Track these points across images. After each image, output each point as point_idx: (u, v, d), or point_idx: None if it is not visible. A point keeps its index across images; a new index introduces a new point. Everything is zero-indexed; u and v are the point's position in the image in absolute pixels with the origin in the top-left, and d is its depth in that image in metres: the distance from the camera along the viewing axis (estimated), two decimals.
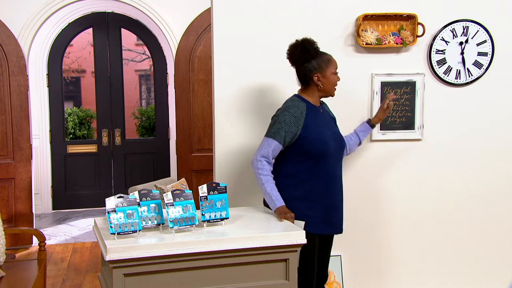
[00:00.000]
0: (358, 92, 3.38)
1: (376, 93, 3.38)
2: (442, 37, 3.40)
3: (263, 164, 2.72)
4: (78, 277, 4.48)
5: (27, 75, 5.25)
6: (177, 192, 2.40)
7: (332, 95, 2.87)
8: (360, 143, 3.13)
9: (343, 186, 2.98)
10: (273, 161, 2.83)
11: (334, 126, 2.92)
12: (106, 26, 6.85)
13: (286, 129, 2.71)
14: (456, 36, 3.42)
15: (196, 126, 5.43)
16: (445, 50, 3.42)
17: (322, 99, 2.92)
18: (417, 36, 3.34)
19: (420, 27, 3.33)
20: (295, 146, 2.75)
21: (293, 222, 2.59)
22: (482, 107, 3.52)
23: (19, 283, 3.21)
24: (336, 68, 2.82)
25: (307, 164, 2.75)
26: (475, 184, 3.56)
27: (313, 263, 2.77)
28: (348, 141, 3.08)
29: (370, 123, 3.13)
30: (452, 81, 3.46)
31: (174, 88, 5.45)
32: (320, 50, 2.79)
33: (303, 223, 2.65)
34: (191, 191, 2.45)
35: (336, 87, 2.85)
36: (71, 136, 7.60)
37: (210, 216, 2.46)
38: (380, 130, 3.42)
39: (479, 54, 3.46)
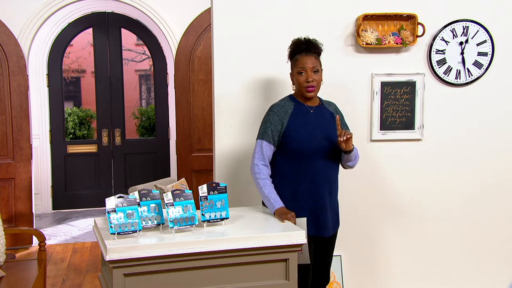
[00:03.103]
0: (358, 92, 3.38)
1: (376, 93, 3.38)
2: (442, 37, 3.40)
3: (260, 168, 2.73)
4: (78, 277, 4.48)
5: (27, 75, 5.25)
6: (177, 192, 2.39)
7: (306, 96, 2.74)
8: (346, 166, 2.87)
9: (343, 186, 2.97)
10: (269, 162, 2.80)
11: (330, 127, 2.79)
12: (106, 26, 6.85)
13: (272, 128, 2.72)
14: (456, 36, 3.42)
15: (196, 126, 5.43)
16: (445, 50, 3.42)
17: (328, 99, 2.91)
18: (417, 36, 3.34)
19: (420, 27, 3.33)
20: (281, 145, 2.75)
21: (294, 222, 2.57)
22: (482, 107, 3.52)
23: (19, 283, 3.21)
24: (302, 67, 2.69)
25: (293, 164, 2.73)
26: (475, 184, 3.56)
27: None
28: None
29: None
30: (452, 81, 3.46)
31: (174, 88, 5.45)
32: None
33: (305, 219, 2.65)
34: (191, 191, 2.44)
35: (306, 87, 2.70)
36: (71, 136, 7.60)
37: (210, 216, 2.46)
38: (380, 130, 3.42)
39: (479, 54, 3.46)
